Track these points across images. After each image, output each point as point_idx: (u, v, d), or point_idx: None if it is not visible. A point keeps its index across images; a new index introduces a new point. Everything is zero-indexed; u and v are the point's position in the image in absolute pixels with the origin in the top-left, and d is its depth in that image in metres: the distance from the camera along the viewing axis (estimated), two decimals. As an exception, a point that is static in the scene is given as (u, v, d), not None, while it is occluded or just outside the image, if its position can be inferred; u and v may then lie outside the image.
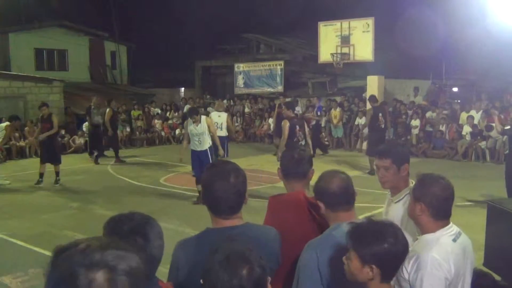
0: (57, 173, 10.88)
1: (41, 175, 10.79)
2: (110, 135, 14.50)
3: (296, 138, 8.79)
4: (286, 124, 8.76)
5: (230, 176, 2.08)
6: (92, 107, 15.39)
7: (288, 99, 16.52)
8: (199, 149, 8.75)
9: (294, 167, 2.67)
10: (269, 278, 2.13)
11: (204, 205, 2.16)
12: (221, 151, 9.11)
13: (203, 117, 8.96)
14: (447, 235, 2.25)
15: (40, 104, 11.35)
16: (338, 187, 2.27)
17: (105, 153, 15.74)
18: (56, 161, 10.85)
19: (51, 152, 10.77)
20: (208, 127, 8.80)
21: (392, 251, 1.86)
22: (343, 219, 2.25)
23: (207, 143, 8.79)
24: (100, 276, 1.06)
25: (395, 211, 2.83)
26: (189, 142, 8.99)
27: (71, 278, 1.05)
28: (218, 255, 1.56)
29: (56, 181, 10.85)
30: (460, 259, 2.24)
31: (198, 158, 8.78)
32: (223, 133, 10.71)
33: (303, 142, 8.79)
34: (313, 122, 15.49)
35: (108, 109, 14.37)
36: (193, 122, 8.71)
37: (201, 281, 1.58)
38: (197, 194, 8.71)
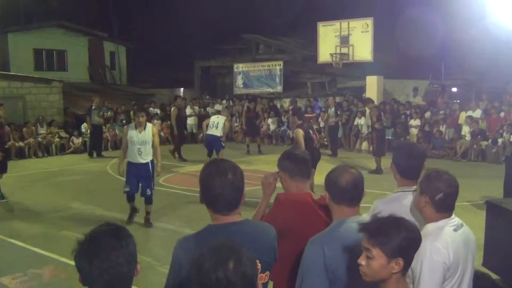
0: None
1: None
2: (176, 134, 14.16)
3: (314, 143, 8.17)
4: (299, 133, 7.89)
5: (228, 173, 2.12)
6: (94, 107, 15.40)
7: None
8: (139, 161, 7.48)
9: (301, 167, 2.71)
10: (268, 273, 2.16)
11: (203, 203, 2.17)
12: (158, 168, 7.77)
13: (149, 124, 7.72)
14: (448, 225, 2.40)
15: None
16: (346, 182, 2.33)
17: (103, 153, 15.79)
18: (5, 170, 9.68)
19: (2, 161, 9.63)
20: (153, 136, 7.60)
21: (414, 240, 1.95)
22: (346, 214, 2.33)
23: (150, 155, 7.60)
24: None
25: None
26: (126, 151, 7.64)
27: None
28: (208, 246, 1.57)
29: (3, 197, 9.46)
30: (460, 248, 2.35)
31: (136, 171, 7.52)
32: (218, 132, 11.07)
33: (318, 145, 8.46)
34: (332, 123, 15.43)
35: (173, 108, 14.03)
36: (136, 128, 7.51)
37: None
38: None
